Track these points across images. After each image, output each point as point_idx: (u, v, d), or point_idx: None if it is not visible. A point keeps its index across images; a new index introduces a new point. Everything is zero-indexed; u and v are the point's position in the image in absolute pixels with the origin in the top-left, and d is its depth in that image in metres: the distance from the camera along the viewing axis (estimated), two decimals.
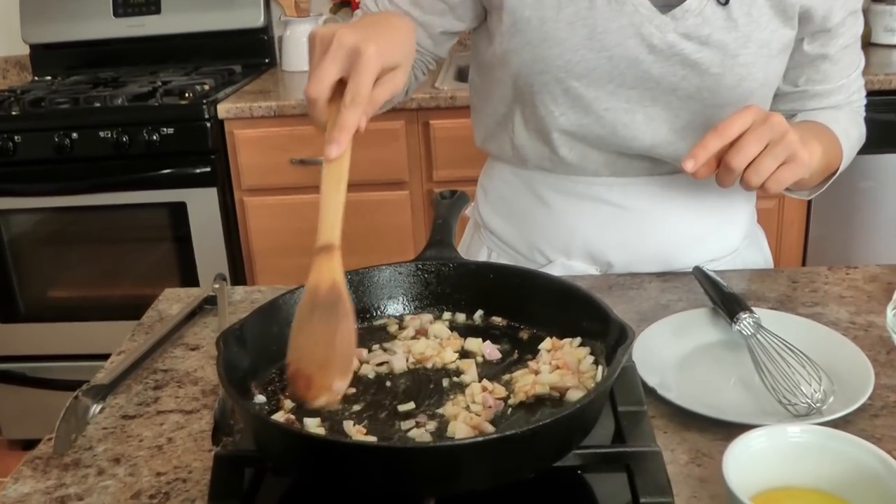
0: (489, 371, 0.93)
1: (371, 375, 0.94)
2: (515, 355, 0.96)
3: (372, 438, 0.79)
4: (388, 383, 0.92)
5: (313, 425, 0.83)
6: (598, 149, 1.24)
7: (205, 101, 2.69)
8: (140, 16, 3.23)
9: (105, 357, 1.19)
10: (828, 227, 2.76)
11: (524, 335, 0.99)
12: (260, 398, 0.88)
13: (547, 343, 0.95)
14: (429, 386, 0.90)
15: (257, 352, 0.91)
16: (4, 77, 3.48)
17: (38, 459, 0.95)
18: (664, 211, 1.29)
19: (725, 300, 1.10)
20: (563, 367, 0.89)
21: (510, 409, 0.85)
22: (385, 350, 0.97)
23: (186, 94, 2.73)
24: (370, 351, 0.98)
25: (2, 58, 3.46)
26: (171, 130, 2.68)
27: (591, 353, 0.91)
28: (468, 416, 0.82)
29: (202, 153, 2.71)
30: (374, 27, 0.93)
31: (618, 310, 1.20)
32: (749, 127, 1.04)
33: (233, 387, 0.82)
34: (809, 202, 2.67)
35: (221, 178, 2.76)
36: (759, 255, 1.41)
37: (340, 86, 0.88)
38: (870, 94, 1.39)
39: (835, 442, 0.80)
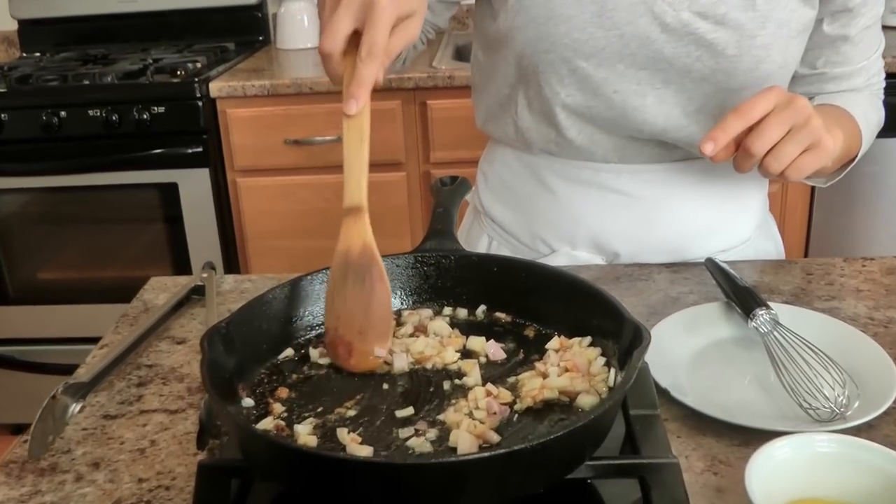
0: (493, 373, 0.87)
1: (366, 377, 0.87)
2: (521, 355, 0.90)
3: (368, 448, 0.73)
4: (386, 385, 0.86)
5: (304, 433, 0.77)
6: (607, 132, 1.18)
7: (197, 79, 2.63)
8: None
9: (96, 341, 1.14)
10: (831, 211, 2.71)
11: (530, 333, 0.94)
12: (248, 401, 0.82)
13: (555, 342, 0.89)
14: (429, 389, 0.84)
15: (245, 351, 0.85)
16: None
17: (13, 464, 0.90)
18: (674, 199, 1.23)
19: (740, 295, 1.05)
20: (572, 369, 0.83)
21: (516, 416, 0.80)
22: None
23: (178, 72, 2.68)
24: None
25: None
26: (161, 109, 2.62)
27: (603, 355, 0.85)
28: (471, 424, 0.76)
29: (194, 133, 2.66)
30: None
31: (626, 303, 1.14)
32: (772, 110, 0.98)
33: (218, 390, 0.76)
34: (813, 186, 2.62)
35: (214, 159, 2.71)
36: (770, 244, 1.35)
37: (355, 37, 0.85)
38: None
39: (865, 453, 0.74)
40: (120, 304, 1.30)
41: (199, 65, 2.75)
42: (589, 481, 0.78)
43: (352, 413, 0.81)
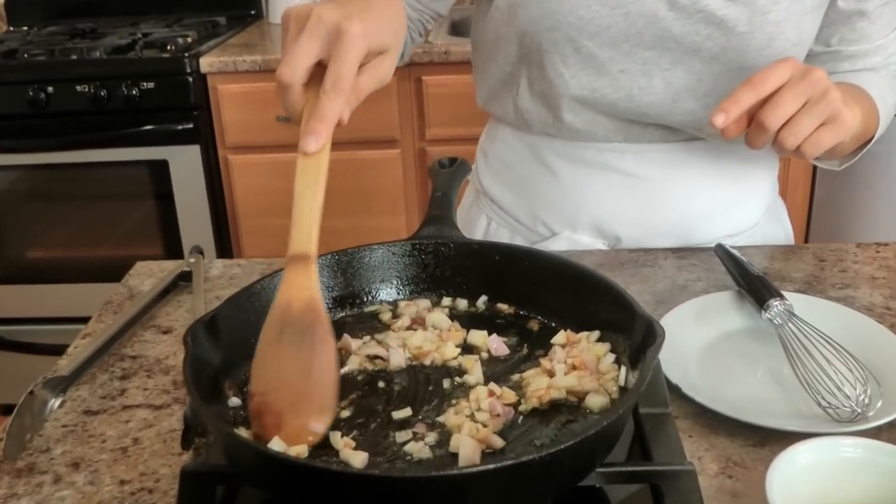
0: (496, 370, 0.82)
1: (360, 375, 0.83)
2: (525, 350, 0.85)
3: (362, 455, 0.68)
4: (381, 383, 0.81)
5: None
6: (609, 116, 1.13)
7: (187, 54, 2.58)
8: None
9: (85, 320, 1.11)
10: (833, 189, 2.67)
11: (534, 326, 0.89)
12: (234, 401, 0.78)
13: (561, 337, 0.84)
14: (427, 388, 0.80)
15: (231, 346, 0.80)
16: None
17: None
18: (680, 180, 1.18)
19: (753, 284, 1.00)
20: (580, 366, 0.78)
21: (521, 418, 0.75)
22: (378, 342, 0.86)
23: (168, 47, 2.63)
24: (363, 342, 0.87)
25: None
26: (151, 85, 2.57)
27: (612, 351, 0.80)
28: (473, 428, 0.72)
29: (184, 109, 2.61)
30: (359, 3, 0.80)
31: (631, 291, 1.09)
32: (787, 81, 0.93)
33: (203, 390, 0.71)
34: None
35: (205, 136, 2.66)
36: (779, 229, 1.30)
37: (318, 69, 0.77)
38: None
39: (891, 459, 0.70)
40: (110, 283, 1.26)
41: (189, 39, 2.70)
42: (597, 486, 0.74)
43: (345, 414, 0.76)
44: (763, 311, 0.96)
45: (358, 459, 0.68)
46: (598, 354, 0.80)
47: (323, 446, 0.72)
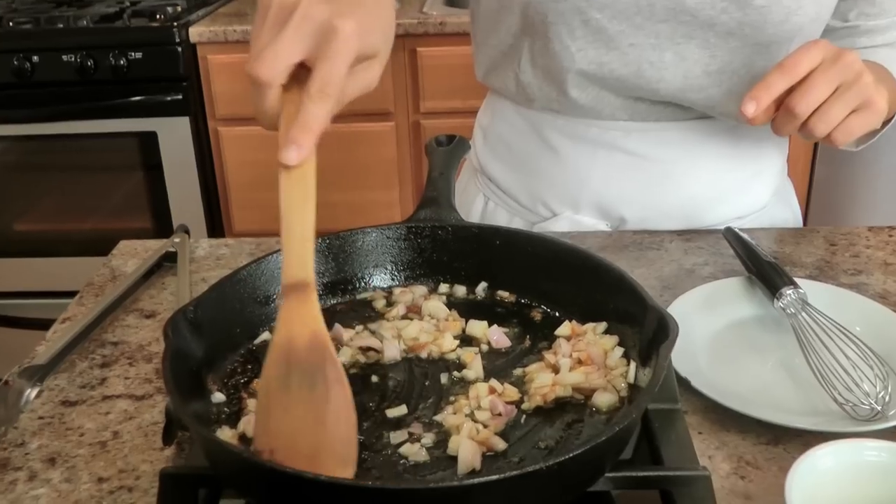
0: (496, 364, 0.78)
1: (352, 368, 0.78)
2: (527, 342, 0.80)
3: None
4: (375, 378, 0.76)
5: None
6: (616, 92, 1.07)
7: (176, 23, 2.51)
8: None
9: (74, 294, 1.07)
10: (833, 167, 2.62)
11: (536, 316, 0.84)
12: (218, 396, 0.73)
13: (565, 328, 0.79)
14: (424, 383, 0.75)
15: (215, 337, 0.75)
16: None
17: None
18: (688, 161, 1.13)
19: (764, 271, 0.95)
20: (586, 361, 0.74)
21: (524, 417, 0.70)
22: (372, 332, 0.82)
23: (156, 16, 2.56)
24: (355, 332, 0.82)
25: None
26: (139, 55, 2.52)
27: (621, 344, 0.76)
28: (473, 429, 0.67)
29: (173, 80, 2.56)
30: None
31: (635, 275, 1.05)
32: (818, 65, 0.88)
33: (184, 386, 0.67)
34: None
35: (194, 107, 2.62)
36: (788, 211, 1.26)
37: (298, 70, 0.66)
38: None
39: None
40: (98, 256, 1.21)
41: (178, 8, 2.63)
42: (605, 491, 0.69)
43: None
44: (775, 300, 0.92)
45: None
46: (605, 348, 0.75)
47: None
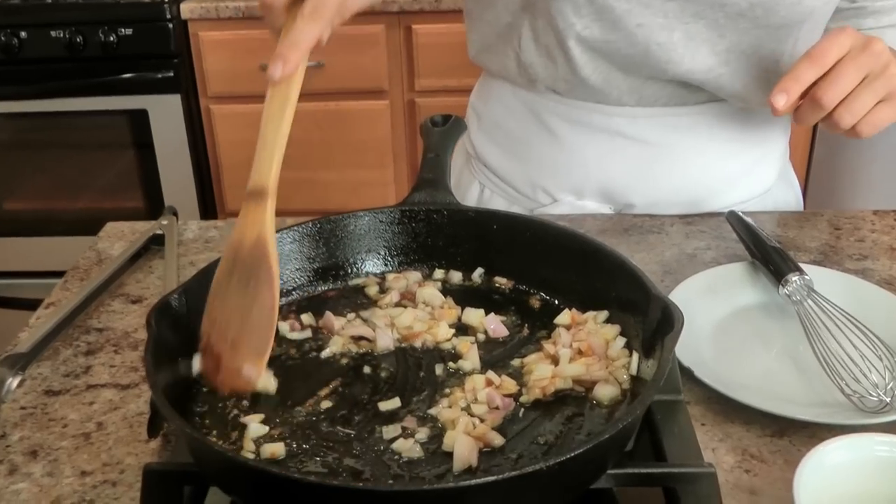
0: (494, 354, 0.75)
1: (343, 358, 0.75)
2: (525, 331, 0.78)
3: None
4: (367, 369, 0.73)
5: (264, 437, 0.65)
6: (624, 71, 1.04)
7: None
8: None
9: (64, 274, 1.05)
10: (832, 147, 2.60)
11: (535, 303, 0.81)
12: (204, 388, 0.70)
13: (565, 317, 0.77)
14: (418, 374, 0.72)
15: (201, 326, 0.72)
16: None
17: None
18: (695, 146, 1.10)
19: (769, 256, 0.93)
20: (587, 351, 0.71)
21: (522, 410, 0.68)
22: (364, 321, 0.79)
23: None
24: (347, 320, 0.80)
25: None
26: (129, 31, 2.48)
27: (623, 334, 0.73)
28: (469, 423, 0.64)
29: (164, 57, 2.52)
30: None
31: (636, 259, 1.03)
32: (845, 54, 0.85)
33: (168, 377, 0.64)
34: None
35: (185, 85, 2.58)
36: (790, 193, 1.23)
37: None
38: None
39: None
40: (89, 236, 1.18)
41: None
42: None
43: (327, 405, 0.69)
44: (780, 287, 0.89)
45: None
46: (606, 338, 0.73)
47: (304, 444, 0.64)
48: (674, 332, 0.63)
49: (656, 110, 1.07)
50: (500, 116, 1.17)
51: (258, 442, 0.65)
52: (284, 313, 0.80)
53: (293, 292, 0.83)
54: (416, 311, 0.79)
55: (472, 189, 1.21)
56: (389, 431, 0.65)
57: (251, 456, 0.63)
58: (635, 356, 0.70)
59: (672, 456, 0.66)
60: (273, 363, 0.73)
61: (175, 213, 1.15)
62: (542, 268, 0.82)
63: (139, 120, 2.59)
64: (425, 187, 0.89)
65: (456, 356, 0.74)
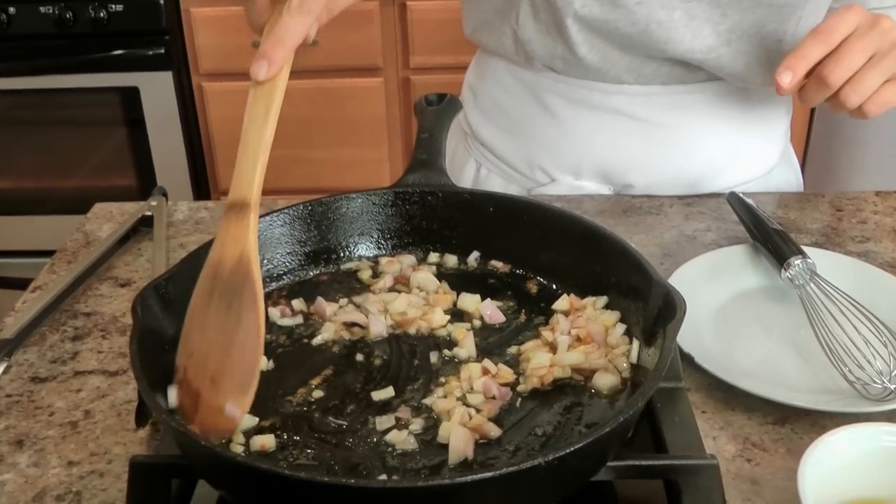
0: (490, 341, 0.73)
1: (335, 346, 0.73)
2: (522, 317, 0.76)
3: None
4: (360, 357, 0.72)
5: (249, 422, 0.63)
6: (624, 50, 1.01)
7: None
8: None
9: (54, 254, 1.03)
10: (831, 126, 2.57)
11: (532, 287, 0.79)
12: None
13: (563, 302, 0.75)
14: (412, 362, 0.70)
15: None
16: None
17: None
18: (697, 126, 1.08)
19: (771, 239, 0.91)
20: (586, 338, 0.69)
21: (519, 400, 0.66)
22: (357, 306, 0.77)
23: None
24: (339, 306, 0.78)
25: None
26: (119, 7, 2.44)
27: (623, 321, 0.71)
28: (465, 414, 0.63)
29: (155, 33, 2.48)
30: None
31: (635, 241, 1.01)
32: (852, 32, 0.83)
33: (154, 366, 0.62)
34: None
35: (177, 62, 2.54)
36: (791, 173, 1.21)
37: None
38: None
39: None
40: (80, 215, 1.16)
41: None
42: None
43: (318, 394, 0.67)
44: (783, 270, 0.87)
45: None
46: (606, 325, 0.71)
47: (294, 435, 0.63)
48: (676, 321, 0.62)
49: (656, 88, 1.05)
50: (497, 94, 1.14)
51: (248, 433, 0.63)
52: (275, 299, 0.78)
53: (284, 277, 0.81)
54: (410, 296, 0.77)
55: (467, 168, 1.19)
56: (383, 422, 0.63)
57: (241, 449, 0.62)
58: (636, 344, 0.68)
59: (673, 446, 0.64)
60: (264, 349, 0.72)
61: (164, 194, 1.13)
62: (539, 251, 0.80)
63: (130, 97, 2.55)
64: (419, 168, 0.86)
65: (451, 343, 0.73)
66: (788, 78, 0.83)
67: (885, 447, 0.63)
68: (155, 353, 0.65)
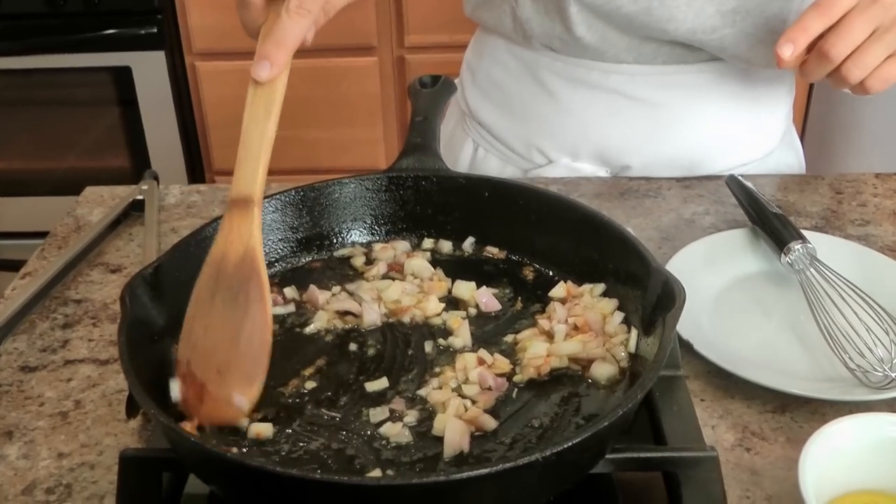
0: (486, 329, 0.72)
1: (328, 335, 0.72)
2: (518, 304, 0.75)
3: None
4: (353, 346, 0.70)
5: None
6: (623, 31, 1.00)
7: None
8: None
9: (47, 235, 1.03)
10: (830, 103, 2.56)
11: (528, 274, 0.78)
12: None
13: (560, 290, 0.74)
14: (407, 352, 0.69)
15: (179, 302, 0.68)
16: None
17: None
18: (697, 106, 1.06)
19: (771, 223, 0.89)
20: (583, 327, 0.68)
21: (516, 391, 0.65)
22: (350, 294, 0.76)
23: None
24: (332, 294, 0.76)
25: None
26: None
27: (621, 309, 0.70)
28: (461, 405, 0.62)
29: (147, 12, 2.45)
30: None
31: (633, 225, 1.00)
32: (854, 6, 0.81)
33: (143, 358, 0.61)
34: None
35: (170, 41, 2.51)
36: (792, 155, 1.19)
37: None
38: None
39: None
40: (74, 196, 1.15)
41: None
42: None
43: (311, 385, 0.66)
44: (783, 255, 0.86)
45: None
46: (603, 313, 0.70)
47: (287, 427, 0.62)
48: (675, 310, 0.60)
49: (656, 68, 1.03)
50: (496, 73, 1.13)
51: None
52: None
53: (276, 264, 0.80)
54: (404, 283, 0.76)
55: (465, 148, 1.18)
56: (377, 414, 0.62)
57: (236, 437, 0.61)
58: (634, 333, 0.67)
59: (672, 437, 0.64)
60: None
61: (156, 178, 1.11)
62: (535, 237, 0.79)
63: (123, 77, 2.52)
64: (413, 152, 0.85)
65: (446, 332, 0.71)
66: (789, 50, 0.82)
67: (887, 437, 0.62)
68: (144, 344, 0.64)
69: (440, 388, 0.64)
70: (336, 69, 2.50)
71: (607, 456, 0.58)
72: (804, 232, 0.89)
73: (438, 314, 0.73)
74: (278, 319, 0.74)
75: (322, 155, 2.58)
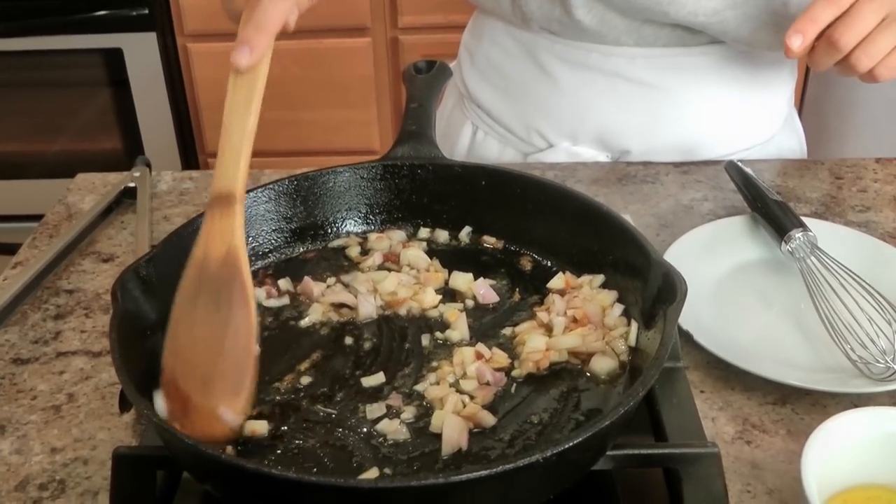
0: (483, 322, 0.71)
1: (323, 328, 0.71)
2: (516, 296, 0.74)
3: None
4: (349, 339, 0.69)
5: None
6: (624, 14, 0.98)
7: None
8: None
9: (40, 218, 1.02)
10: (827, 85, 2.54)
11: (526, 264, 0.77)
12: None
13: (559, 281, 0.73)
14: (403, 346, 0.68)
15: (172, 295, 0.67)
16: None
17: None
18: (697, 90, 1.05)
19: (771, 211, 0.88)
20: (582, 320, 0.67)
21: (514, 385, 0.64)
22: (345, 286, 0.75)
23: None
24: (327, 286, 0.75)
25: None
26: None
27: (620, 301, 0.69)
28: (458, 401, 0.61)
29: None
30: None
31: (631, 211, 0.99)
32: None
33: (135, 354, 0.60)
34: None
35: (161, 22, 2.48)
36: (794, 140, 1.18)
37: None
38: None
39: None
40: (66, 178, 1.14)
41: None
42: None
43: (306, 380, 0.65)
44: (783, 243, 0.85)
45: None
46: (603, 305, 0.69)
47: (283, 424, 0.61)
48: (676, 303, 0.60)
49: (656, 51, 1.02)
50: (494, 55, 1.11)
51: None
52: (261, 278, 0.76)
53: (269, 255, 0.79)
54: (400, 275, 0.75)
55: (464, 130, 1.16)
56: (374, 410, 0.61)
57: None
58: (634, 326, 0.66)
59: (672, 431, 0.63)
60: None
61: (148, 165, 1.10)
62: (533, 227, 0.78)
63: (114, 59, 2.50)
64: (409, 140, 0.83)
65: (443, 325, 0.70)
66: (799, 41, 0.81)
67: (890, 432, 0.61)
68: (137, 339, 0.63)
69: (437, 383, 0.63)
70: (329, 50, 2.48)
71: (608, 453, 0.57)
72: (804, 219, 0.88)
73: (435, 306, 0.72)
74: (273, 312, 0.73)
75: (315, 136, 2.56)
